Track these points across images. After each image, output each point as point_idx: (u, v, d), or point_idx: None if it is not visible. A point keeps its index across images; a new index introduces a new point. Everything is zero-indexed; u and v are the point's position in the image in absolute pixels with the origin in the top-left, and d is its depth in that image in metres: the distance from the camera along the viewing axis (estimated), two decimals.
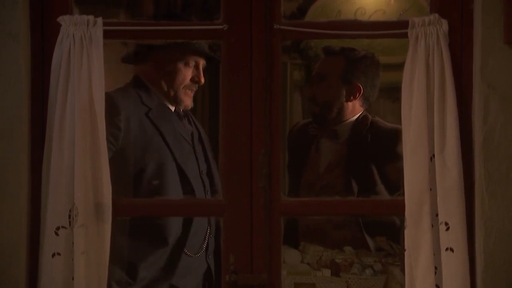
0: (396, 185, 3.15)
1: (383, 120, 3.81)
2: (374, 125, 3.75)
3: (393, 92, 3.83)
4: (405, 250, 2.63)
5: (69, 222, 2.58)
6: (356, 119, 3.77)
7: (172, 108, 3.44)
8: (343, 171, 3.76)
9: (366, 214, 3.20)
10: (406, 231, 2.62)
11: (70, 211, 2.58)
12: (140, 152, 3.30)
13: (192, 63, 3.41)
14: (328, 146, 3.82)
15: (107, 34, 2.61)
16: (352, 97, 3.75)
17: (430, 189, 2.60)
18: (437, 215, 2.59)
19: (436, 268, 2.59)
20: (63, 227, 2.58)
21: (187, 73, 3.41)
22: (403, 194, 2.63)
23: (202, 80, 3.43)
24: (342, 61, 3.75)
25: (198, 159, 3.44)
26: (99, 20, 2.61)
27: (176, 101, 3.44)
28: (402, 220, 2.74)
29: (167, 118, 3.40)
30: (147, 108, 3.36)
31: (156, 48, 3.37)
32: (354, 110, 3.77)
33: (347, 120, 3.77)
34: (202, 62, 3.42)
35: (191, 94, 3.44)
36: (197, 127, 3.52)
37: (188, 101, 3.45)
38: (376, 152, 3.69)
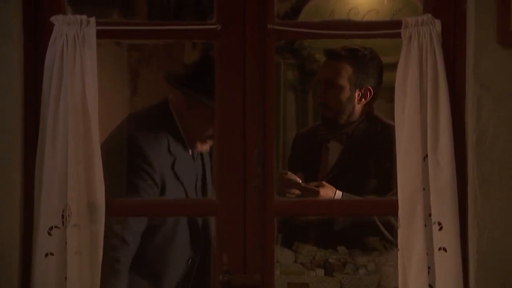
0: None
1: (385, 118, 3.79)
2: (383, 124, 3.73)
3: (386, 92, 3.83)
4: (398, 249, 2.64)
5: (62, 222, 2.58)
6: (364, 117, 3.76)
7: (190, 152, 3.42)
8: (355, 170, 3.74)
9: (359, 214, 3.20)
10: (399, 231, 2.62)
11: (63, 211, 2.58)
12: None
13: None
14: (338, 147, 3.81)
15: (100, 34, 2.61)
16: (364, 100, 3.75)
17: (423, 189, 2.60)
18: (430, 215, 2.60)
19: (429, 268, 2.60)
20: (56, 227, 2.58)
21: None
22: (396, 194, 2.64)
23: None
24: (349, 65, 3.73)
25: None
26: (92, 20, 2.60)
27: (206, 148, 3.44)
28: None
29: (186, 166, 3.39)
30: (172, 157, 3.33)
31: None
32: (362, 110, 3.77)
33: (356, 120, 3.77)
34: None
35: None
36: (204, 167, 3.49)
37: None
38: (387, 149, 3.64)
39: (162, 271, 3.36)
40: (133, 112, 3.34)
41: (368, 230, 3.61)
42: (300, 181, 3.53)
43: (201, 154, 3.48)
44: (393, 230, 3.51)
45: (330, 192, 3.50)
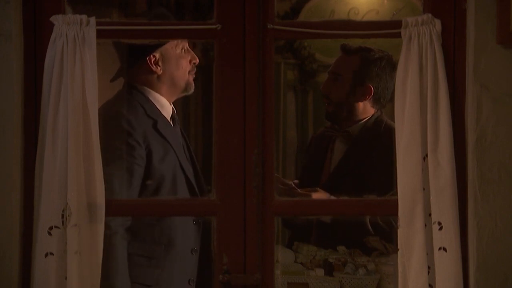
0: None
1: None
2: (388, 128, 3.72)
3: None
4: (398, 249, 2.64)
5: (62, 222, 2.58)
6: (369, 119, 3.75)
7: (169, 115, 3.38)
8: (353, 172, 3.74)
9: (359, 214, 3.20)
10: (399, 231, 2.62)
11: (63, 211, 2.58)
12: (158, 166, 3.26)
13: (185, 48, 3.35)
14: (341, 146, 3.81)
15: (100, 34, 2.61)
16: (362, 98, 3.74)
17: (424, 189, 2.60)
18: (430, 214, 2.60)
19: (429, 267, 2.60)
20: (56, 227, 2.58)
21: (187, 58, 3.36)
22: (396, 194, 2.64)
23: (198, 60, 3.39)
24: (357, 60, 3.74)
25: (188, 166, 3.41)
26: (92, 19, 2.60)
27: (187, 89, 3.39)
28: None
29: (169, 128, 3.36)
30: (152, 120, 3.29)
31: (143, 51, 3.31)
32: (366, 111, 3.76)
33: (359, 120, 3.76)
34: (187, 43, 3.38)
35: (193, 76, 3.41)
36: (183, 133, 3.48)
37: (193, 84, 3.41)
38: (386, 154, 3.62)
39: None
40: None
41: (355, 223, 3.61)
42: (293, 185, 3.52)
43: (177, 122, 3.45)
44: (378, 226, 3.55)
45: (323, 198, 3.48)
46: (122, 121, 3.20)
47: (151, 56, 3.31)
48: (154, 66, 3.32)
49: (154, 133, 3.27)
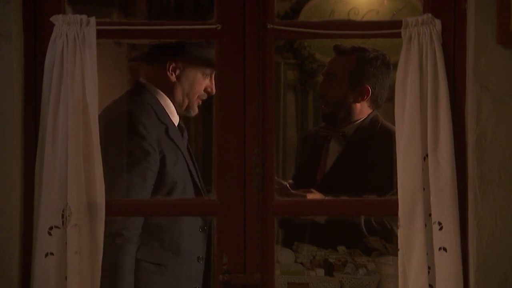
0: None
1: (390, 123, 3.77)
2: (383, 128, 3.72)
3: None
4: (398, 249, 2.64)
5: (62, 222, 2.58)
6: (364, 120, 3.76)
7: (176, 123, 3.39)
8: (348, 172, 3.74)
9: (359, 214, 3.20)
10: (399, 231, 2.62)
11: (63, 210, 2.58)
12: (171, 171, 3.26)
13: (207, 74, 3.38)
14: (336, 147, 3.81)
15: (100, 34, 2.61)
16: (360, 98, 3.74)
17: (424, 189, 2.60)
18: (430, 214, 2.60)
19: (429, 267, 2.60)
20: (56, 227, 2.58)
21: (203, 84, 3.38)
22: (396, 194, 2.64)
23: (214, 91, 3.40)
24: (352, 61, 3.73)
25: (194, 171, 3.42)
26: (92, 19, 2.60)
27: (188, 110, 3.41)
28: None
29: (177, 135, 3.37)
30: (164, 125, 3.31)
31: (171, 53, 3.33)
32: (362, 111, 3.76)
33: (355, 121, 3.76)
34: (214, 73, 3.40)
35: (199, 102, 3.43)
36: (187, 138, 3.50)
37: (197, 109, 3.43)
38: (381, 155, 3.62)
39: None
40: (108, 105, 3.31)
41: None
42: (287, 186, 3.52)
43: (184, 127, 3.47)
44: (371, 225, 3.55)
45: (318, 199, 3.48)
46: (136, 123, 3.21)
47: (172, 62, 3.32)
48: (170, 72, 3.33)
49: (166, 139, 3.29)
